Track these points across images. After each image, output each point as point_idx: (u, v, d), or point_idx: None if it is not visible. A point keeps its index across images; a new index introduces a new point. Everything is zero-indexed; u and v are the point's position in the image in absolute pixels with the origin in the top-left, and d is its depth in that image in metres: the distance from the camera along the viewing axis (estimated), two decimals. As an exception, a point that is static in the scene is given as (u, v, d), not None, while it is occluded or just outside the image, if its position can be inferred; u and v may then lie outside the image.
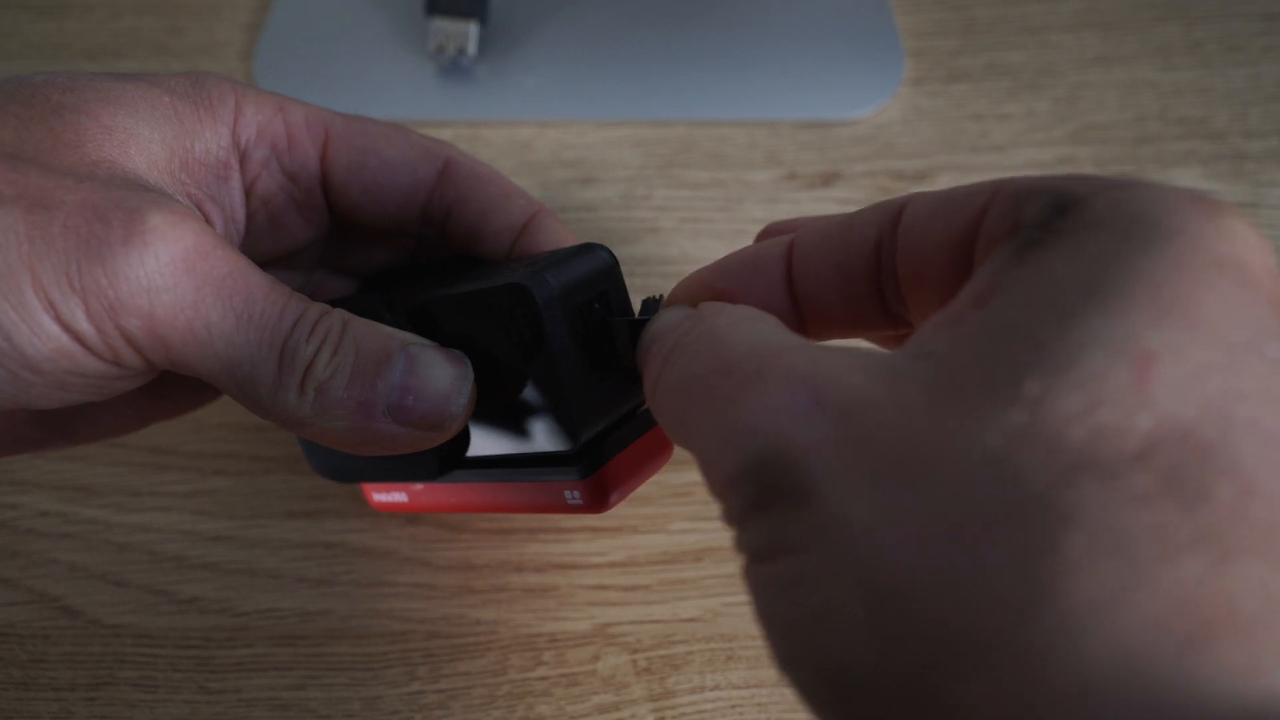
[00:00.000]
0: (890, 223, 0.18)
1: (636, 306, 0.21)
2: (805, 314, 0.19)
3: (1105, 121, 0.39)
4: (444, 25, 0.40)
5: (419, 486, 0.26)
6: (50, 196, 0.18)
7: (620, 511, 0.30)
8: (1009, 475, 0.12)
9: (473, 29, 0.40)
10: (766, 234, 0.22)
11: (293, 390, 0.19)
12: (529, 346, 0.20)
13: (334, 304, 0.21)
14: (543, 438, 0.21)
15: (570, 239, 0.24)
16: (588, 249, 0.21)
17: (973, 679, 0.11)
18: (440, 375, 0.20)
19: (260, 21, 0.44)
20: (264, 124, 0.23)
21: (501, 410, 0.22)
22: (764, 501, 0.14)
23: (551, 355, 0.20)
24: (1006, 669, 0.11)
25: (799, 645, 0.14)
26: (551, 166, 0.39)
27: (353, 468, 0.26)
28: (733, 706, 0.26)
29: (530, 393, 0.21)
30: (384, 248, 0.27)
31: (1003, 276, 0.14)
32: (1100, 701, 0.11)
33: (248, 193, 0.23)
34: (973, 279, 0.15)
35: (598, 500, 0.22)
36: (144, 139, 0.20)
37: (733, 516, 0.15)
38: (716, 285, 0.20)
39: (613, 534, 0.29)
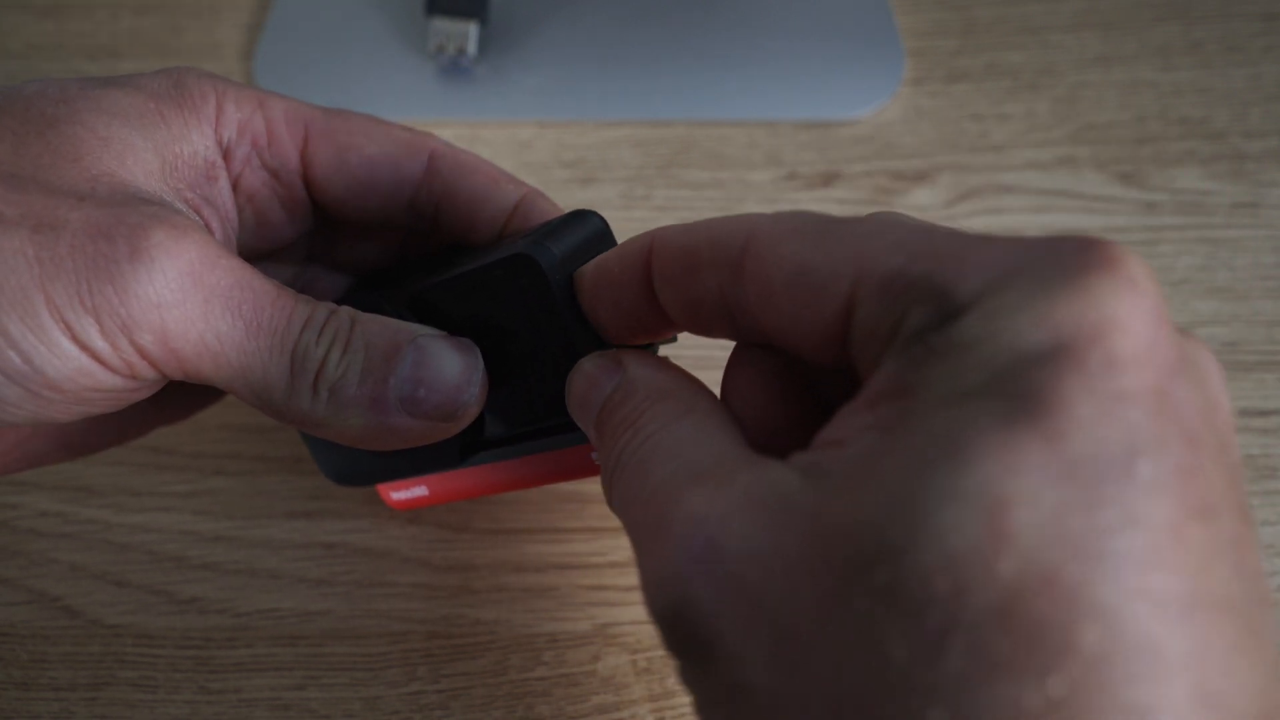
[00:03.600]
0: (731, 277, 0.17)
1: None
2: (666, 316, 0.20)
3: (1105, 121, 0.39)
4: (444, 25, 0.40)
5: (440, 477, 0.26)
6: (54, 216, 0.18)
7: (620, 511, 0.30)
8: (876, 648, 0.12)
9: (473, 29, 0.40)
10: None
11: (306, 393, 0.20)
12: (537, 316, 0.21)
13: (337, 302, 0.21)
14: (559, 406, 0.22)
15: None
16: (579, 215, 0.21)
17: None
18: (450, 364, 0.21)
19: (260, 21, 0.44)
20: (244, 120, 0.23)
21: (514, 386, 0.22)
22: (680, 652, 0.15)
23: (562, 320, 0.20)
24: None
25: None
26: (551, 166, 0.39)
27: (372, 468, 0.26)
28: (733, 706, 0.26)
29: (541, 363, 0.21)
30: (374, 241, 0.27)
31: (883, 392, 0.14)
32: None
33: (233, 190, 0.23)
34: (870, 381, 0.15)
35: None
36: (138, 148, 0.20)
37: (667, 651, 0.16)
38: (603, 296, 0.20)
39: (613, 534, 0.29)
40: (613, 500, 0.18)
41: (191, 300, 0.18)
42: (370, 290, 0.25)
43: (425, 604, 0.28)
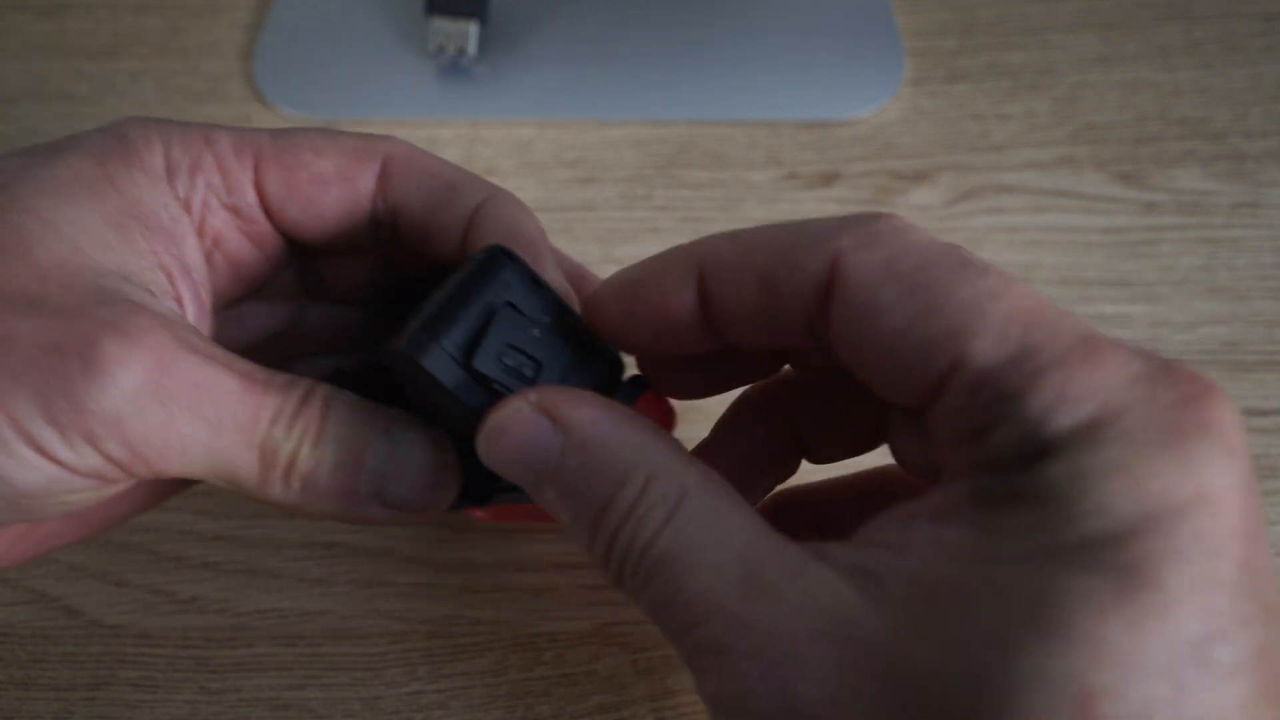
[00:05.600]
0: (816, 304, 0.17)
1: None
2: (719, 334, 0.19)
3: (1105, 121, 0.39)
4: (444, 25, 0.40)
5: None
6: (5, 328, 0.17)
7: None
8: None
9: (473, 29, 0.40)
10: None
11: (278, 484, 0.20)
12: (439, 398, 0.19)
13: (325, 379, 0.20)
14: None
15: (525, 221, 0.22)
16: (481, 260, 0.19)
17: None
18: (420, 461, 0.20)
19: (260, 21, 0.44)
20: (193, 162, 0.21)
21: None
22: None
23: (460, 403, 0.19)
24: None
25: None
26: (551, 166, 0.39)
27: None
28: (733, 706, 0.26)
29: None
30: (361, 265, 0.25)
31: (959, 521, 0.15)
32: None
33: (199, 237, 0.22)
34: (939, 493, 0.15)
35: None
36: (89, 227, 0.19)
37: None
38: (631, 313, 0.20)
39: (613, 534, 0.29)
40: (626, 589, 0.17)
41: (150, 409, 0.18)
42: (355, 360, 0.24)
43: (425, 604, 0.28)
